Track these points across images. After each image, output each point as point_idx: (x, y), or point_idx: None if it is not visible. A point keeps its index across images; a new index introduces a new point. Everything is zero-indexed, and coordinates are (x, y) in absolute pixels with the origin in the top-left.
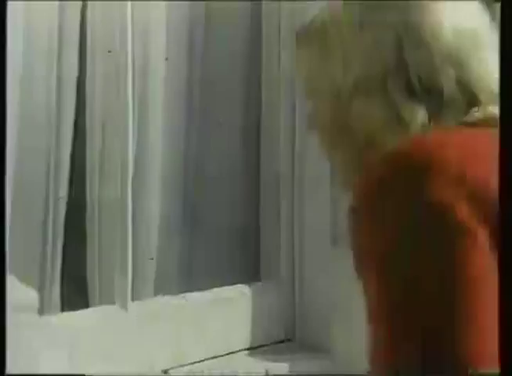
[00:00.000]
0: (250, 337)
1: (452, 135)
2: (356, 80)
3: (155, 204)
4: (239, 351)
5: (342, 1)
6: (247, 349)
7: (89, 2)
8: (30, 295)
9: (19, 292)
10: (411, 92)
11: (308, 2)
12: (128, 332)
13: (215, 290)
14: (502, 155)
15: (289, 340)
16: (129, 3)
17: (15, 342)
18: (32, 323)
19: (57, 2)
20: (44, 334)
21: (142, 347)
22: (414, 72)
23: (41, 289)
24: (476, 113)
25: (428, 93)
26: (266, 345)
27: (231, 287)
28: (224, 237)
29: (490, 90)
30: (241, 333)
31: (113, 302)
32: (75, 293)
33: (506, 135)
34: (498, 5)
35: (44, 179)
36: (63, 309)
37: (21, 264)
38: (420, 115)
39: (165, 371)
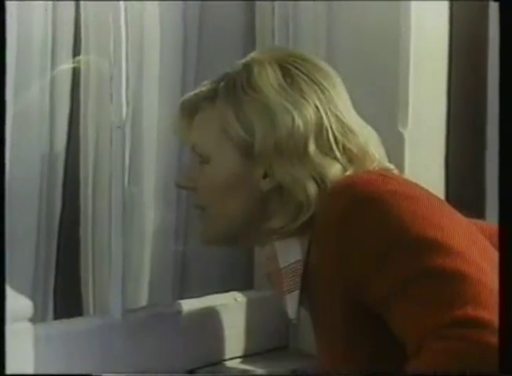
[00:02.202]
0: (244, 344)
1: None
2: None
3: (148, 213)
4: (233, 358)
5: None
6: (241, 357)
7: (82, 2)
8: (23, 304)
9: (11, 301)
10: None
11: (302, 3)
12: (122, 340)
13: (209, 297)
14: (502, 155)
15: (283, 347)
16: (122, 3)
17: (7, 351)
18: (25, 332)
19: (50, 2)
20: (37, 343)
21: (136, 355)
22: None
23: (34, 297)
24: (372, 165)
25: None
26: (260, 353)
27: (225, 295)
28: None
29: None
30: (235, 340)
31: (107, 311)
32: (69, 301)
33: (506, 135)
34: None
35: (37, 188)
36: (56, 318)
37: (14, 272)
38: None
39: (191, 371)
